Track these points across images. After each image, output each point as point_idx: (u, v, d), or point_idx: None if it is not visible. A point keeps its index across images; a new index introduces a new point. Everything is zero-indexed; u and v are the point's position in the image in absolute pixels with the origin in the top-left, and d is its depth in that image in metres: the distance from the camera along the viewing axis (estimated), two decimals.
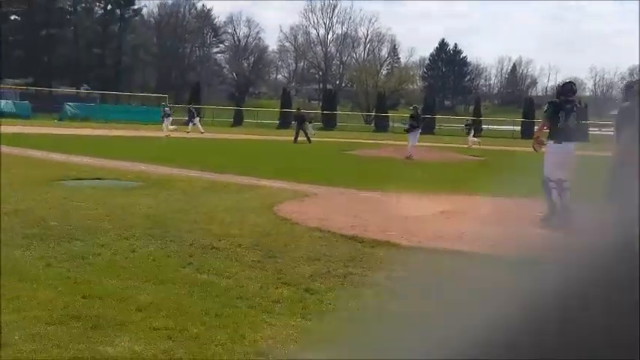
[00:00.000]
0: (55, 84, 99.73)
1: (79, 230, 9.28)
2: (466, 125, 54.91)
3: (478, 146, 45.21)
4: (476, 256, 8.67)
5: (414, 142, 31.40)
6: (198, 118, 51.93)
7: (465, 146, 44.32)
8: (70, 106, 70.22)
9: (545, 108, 12.52)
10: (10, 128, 39.48)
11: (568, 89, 12.30)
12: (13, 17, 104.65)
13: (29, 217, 10.17)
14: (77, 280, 6.74)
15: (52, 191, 13.21)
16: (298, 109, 52.93)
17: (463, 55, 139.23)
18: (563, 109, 11.97)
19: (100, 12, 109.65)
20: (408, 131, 32.52)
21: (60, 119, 63.55)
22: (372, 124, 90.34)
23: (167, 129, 45.75)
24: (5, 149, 23.29)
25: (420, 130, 32.55)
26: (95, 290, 6.36)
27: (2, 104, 65.77)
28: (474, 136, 49.31)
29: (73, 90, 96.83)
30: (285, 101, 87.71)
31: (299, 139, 42.25)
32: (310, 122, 50.81)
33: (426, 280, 7.42)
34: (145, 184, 15.15)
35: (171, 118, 48.40)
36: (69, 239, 8.65)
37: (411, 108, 36.14)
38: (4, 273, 6.84)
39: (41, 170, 16.70)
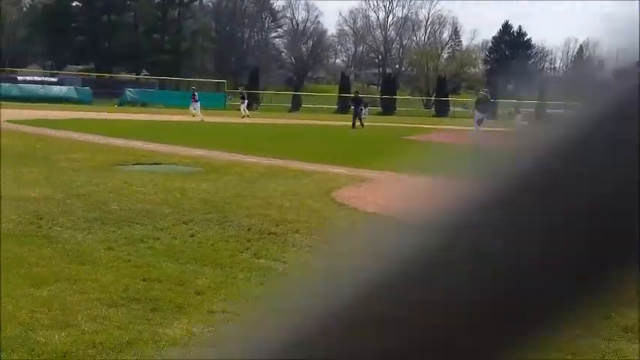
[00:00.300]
0: (116, 70, 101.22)
1: (138, 214, 9.42)
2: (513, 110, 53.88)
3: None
4: None
5: (478, 127, 27.89)
6: (246, 102, 52.29)
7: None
8: (130, 91, 71.31)
9: None
10: (72, 114, 40.25)
11: None
12: (75, 3, 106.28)
13: (90, 200, 10.36)
14: (137, 263, 6.85)
15: (113, 176, 13.42)
16: (356, 92, 52.63)
17: (527, 37, 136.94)
18: None
19: None
20: (479, 121, 28.44)
21: (120, 104, 64.54)
22: (432, 109, 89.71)
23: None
24: (67, 134, 23.75)
25: (486, 118, 28.50)
26: (154, 273, 6.45)
27: (65, 90, 66.99)
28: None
29: (132, 76, 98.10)
30: (344, 86, 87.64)
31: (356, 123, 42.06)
32: (365, 107, 50.58)
33: None
34: (204, 169, 15.29)
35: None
36: (129, 223, 8.79)
37: (483, 92, 32.67)
38: (68, 255, 6.99)
39: (102, 155, 16.97)
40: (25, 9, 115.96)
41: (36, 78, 77.96)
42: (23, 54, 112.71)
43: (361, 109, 44.34)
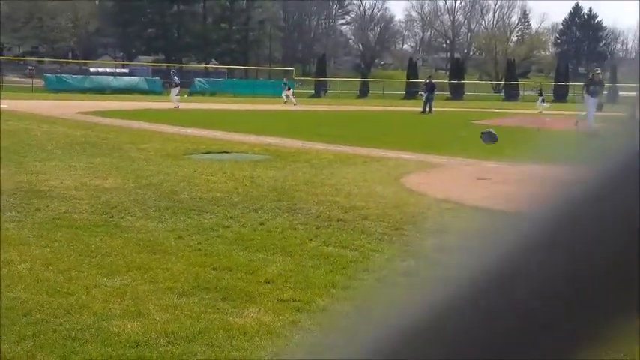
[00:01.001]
0: (185, 60, 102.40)
1: (208, 203, 9.48)
2: (536, 90, 52.63)
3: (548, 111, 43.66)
4: None
5: (592, 111, 23.95)
6: (291, 90, 52.92)
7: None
8: (199, 81, 71.96)
9: None
10: (143, 104, 40.86)
11: None
12: None
13: (161, 190, 10.46)
14: (207, 252, 6.87)
15: (183, 165, 13.55)
16: (430, 77, 51.93)
17: (598, 19, 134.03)
18: None
19: None
20: (599, 106, 24.67)
21: (190, 94, 65.22)
22: (502, 93, 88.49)
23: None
24: (138, 124, 24.09)
25: (597, 99, 24.60)
26: (224, 262, 6.46)
27: (135, 81, 68.06)
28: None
29: (202, 65, 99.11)
30: (412, 72, 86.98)
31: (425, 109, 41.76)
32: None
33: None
34: (272, 157, 15.32)
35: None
36: (199, 212, 8.84)
37: (596, 72, 28.18)
38: (139, 245, 7.06)
39: (172, 144, 17.15)
40: (97, 2, 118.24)
41: (107, 69, 79.42)
42: (95, 46, 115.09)
43: (433, 96, 43.85)
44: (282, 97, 51.70)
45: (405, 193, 10.95)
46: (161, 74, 76.93)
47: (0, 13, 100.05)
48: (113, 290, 5.51)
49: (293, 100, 50.14)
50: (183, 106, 38.94)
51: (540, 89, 55.29)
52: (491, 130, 15.20)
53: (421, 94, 48.85)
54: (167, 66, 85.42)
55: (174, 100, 40.17)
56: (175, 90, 41.88)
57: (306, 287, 5.78)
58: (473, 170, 14.29)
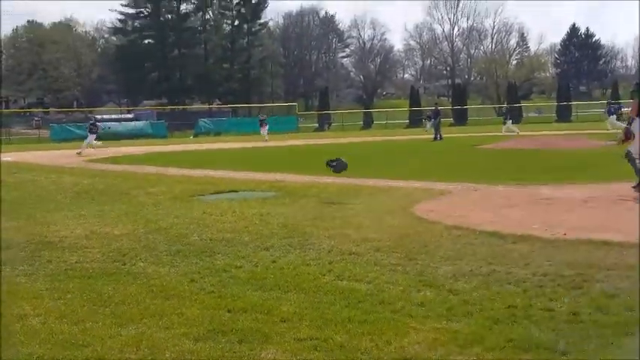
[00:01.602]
0: (189, 101, 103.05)
1: (219, 244, 9.44)
2: (502, 110, 53.09)
3: (513, 133, 44.48)
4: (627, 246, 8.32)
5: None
6: (266, 127, 51.85)
7: (602, 131, 42.60)
8: (203, 121, 72.20)
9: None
10: (149, 148, 41.01)
11: None
12: (146, 41, 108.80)
13: (171, 234, 10.43)
14: (221, 293, 6.82)
15: (192, 206, 13.54)
16: (436, 104, 52.69)
17: (596, 38, 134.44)
18: None
19: (227, 28, 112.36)
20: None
21: (195, 135, 65.42)
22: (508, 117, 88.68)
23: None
24: (146, 169, 24.14)
25: None
26: (239, 303, 6.41)
27: (140, 126, 68.37)
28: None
29: (205, 106, 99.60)
30: (414, 100, 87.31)
31: (429, 135, 41.99)
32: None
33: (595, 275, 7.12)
34: (280, 194, 15.31)
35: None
36: (210, 253, 8.80)
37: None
38: (152, 291, 7.02)
39: (180, 186, 17.15)
40: (99, 49, 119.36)
41: (112, 116, 79.83)
42: (99, 93, 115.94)
43: (439, 121, 44.17)
44: (262, 134, 50.42)
45: (415, 221, 10.90)
46: (166, 117, 77.31)
47: (1, 66, 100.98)
48: (128, 339, 5.45)
49: (266, 136, 49.55)
50: (190, 147, 39.00)
51: (505, 110, 55.69)
52: (341, 158, 15.27)
53: (424, 120, 49.22)
54: (171, 109, 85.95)
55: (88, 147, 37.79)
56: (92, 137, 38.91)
57: (322, 324, 5.72)
58: (481, 195, 14.25)
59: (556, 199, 12.96)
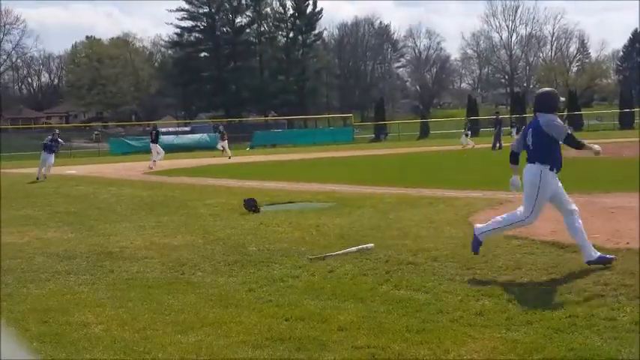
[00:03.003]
0: (244, 114, 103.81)
1: (276, 254, 9.50)
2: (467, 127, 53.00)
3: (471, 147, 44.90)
4: None
5: None
6: (226, 141, 46.91)
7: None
8: (259, 133, 72.67)
9: None
10: (206, 160, 41.39)
11: None
12: (202, 54, 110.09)
13: (229, 244, 10.54)
14: (279, 302, 6.87)
15: (249, 218, 13.64)
16: (497, 113, 52.82)
17: None
18: None
19: (282, 40, 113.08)
20: None
21: (251, 147, 65.88)
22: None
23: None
24: (204, 180, 24.39)
25: None
26: (296, 312, 6.45)
27: (197, 138, 69.07)
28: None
29: (261, 118, 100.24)
30: (471, 109, 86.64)
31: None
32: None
33: None
34: (337, 204, 15.32)
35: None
36: (267, 263, 8.87)
37: None
38: (211, 300, 7.10)
39: (237, 198, 17.27)
40: (156, 64, 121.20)
41: (170, 129, 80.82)
42: (157, 107, 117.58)
43: (499, 130, 44.07)
44: (218, 148, 46.97)
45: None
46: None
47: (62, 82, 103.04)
48: (188, 347, 5.53)
49: (229, 152, 45.30)
50: (246, 159, 39.14)
51: (467, 124, 55.44)
52: (253, 198, 14.96)
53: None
54: (227, 121, 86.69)
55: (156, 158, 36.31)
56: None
57: (379, 333, 5.72)
58: None
59: (619, 207, 12.76)
